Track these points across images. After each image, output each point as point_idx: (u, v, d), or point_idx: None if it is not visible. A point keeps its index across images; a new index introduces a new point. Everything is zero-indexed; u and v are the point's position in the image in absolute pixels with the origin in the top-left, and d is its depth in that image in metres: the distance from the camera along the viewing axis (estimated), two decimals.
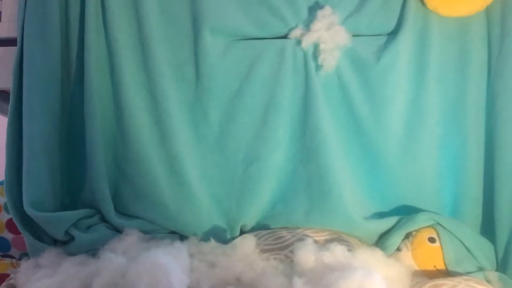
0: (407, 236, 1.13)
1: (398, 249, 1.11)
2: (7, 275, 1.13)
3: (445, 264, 1.08)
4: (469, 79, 1.23)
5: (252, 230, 1.20)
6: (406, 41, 1.23)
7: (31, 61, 1.21)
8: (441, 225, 1.12)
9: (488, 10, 1.24)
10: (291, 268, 0.95)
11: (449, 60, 1.24)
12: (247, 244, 1.06)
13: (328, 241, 1.07)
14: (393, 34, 1.24)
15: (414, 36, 1.24)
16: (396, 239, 1.12)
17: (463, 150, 1.22)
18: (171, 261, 0.92)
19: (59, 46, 1.23)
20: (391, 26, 1.25)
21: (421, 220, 1.13)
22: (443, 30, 1.24)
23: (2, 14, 1.32)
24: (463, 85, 1.23)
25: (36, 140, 1.18)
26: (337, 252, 0.95)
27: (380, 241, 1.16)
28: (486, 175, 1.21)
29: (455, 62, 1.24)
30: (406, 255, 1.10)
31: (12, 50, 1.29)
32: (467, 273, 1.06)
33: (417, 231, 1.12)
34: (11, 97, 1.23)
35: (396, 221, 1.16)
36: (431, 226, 1.12)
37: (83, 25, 1.24)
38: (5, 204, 1.30)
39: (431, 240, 1.10)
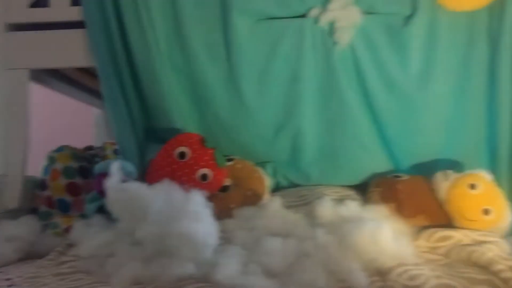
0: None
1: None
2: None
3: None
4: (472, 70, 1.34)
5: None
6: (416, 29, 1.32)
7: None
8: None
9: (490, 5, 1.32)
10: (313, 220, 1.09)
11: (455, 52, 1.34)
12: (275, 203, 1.20)
13: (342, 198, 1.22)
14: (406, 19, 1.34)
15: (424, 26, 1.33)
16: None
17: (465, 136, 1.35)
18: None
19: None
20: (403, 12, 1.35)
21: None
22: (451, 23, 1.33)
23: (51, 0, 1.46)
24: (467, 76, 1.34)
25: None
26: (351, 207, 1.10)
27: None
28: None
29: (460, 54, 1.34)
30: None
31: (59, 33, 1.46)
32: None
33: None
34: None
35: None
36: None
37: (120, 13, 1.37)
38: (64, 169, 1.48)
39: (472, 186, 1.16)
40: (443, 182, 1.19)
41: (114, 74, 1.38)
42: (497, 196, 1.18)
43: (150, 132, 1.43)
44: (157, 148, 1.32)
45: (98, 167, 1.31)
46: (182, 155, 1.28)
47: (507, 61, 1.32)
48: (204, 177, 1.26)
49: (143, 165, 1.35)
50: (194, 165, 1.26)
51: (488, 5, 1.34)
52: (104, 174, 1.15)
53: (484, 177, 1.20)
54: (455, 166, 1.32)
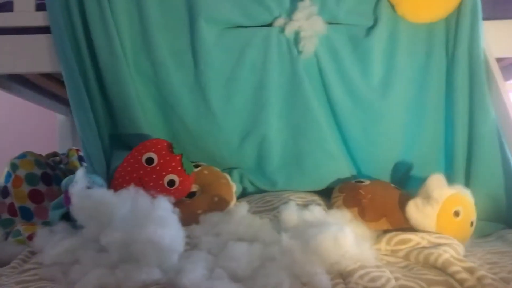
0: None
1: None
2: None
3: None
4: (431, 80, 1.40)
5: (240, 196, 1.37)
6: (378, 40, 1.38)
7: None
8: None
9: (447, 18, 1.40)
10: (278, 225, 1.11)
11: (415, 61, 1.40)
12: (242, 209, 1.21)
13: (307, 203, 1.24)
14: (368, 30, 1.40)
15: (386, 36, 1.39)
16: None
17: (423, 142, 1.40)
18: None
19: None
20: (365, 23, 1.41)
21: None
22: (411, 34, 1.40)
23: (15, 5, 1.43)
24: (425, 85, 1.40)
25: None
26: (315, 212, 1.13)
27: None
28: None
29: (419, 63, 1.40)
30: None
31: (23, 38, 1.43)
32: None
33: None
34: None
35: None
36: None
37: (86, 19, 1.36)
38: (26, 175, 1.45)
39: (456, 214, 1.16)
40: (418, 213, 1.16)
41: (80, 80, 1.36)
42: (468, 200, 1.21)
43: (115, 139, 1.42)
44: (123, 155, 1.32)
45: (65, 183, 1.29)
46: (149, 161, 1.28)
47: (463, 70, 1.38)
48: (171, 183, 1.26)
49: (109, 171, 1.34)
50: (162, 171, 1.26)
51: (445, 18, 1.40)
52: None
53: (455, 193, 1.17)
54: (414, 171, 1.38)
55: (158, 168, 1.27)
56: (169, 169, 1.26)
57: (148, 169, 1.27)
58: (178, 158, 1.28)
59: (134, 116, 1.37)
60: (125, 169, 1.28)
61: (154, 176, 1.25)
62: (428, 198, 1.15)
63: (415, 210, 1.16)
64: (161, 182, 1.25)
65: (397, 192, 1.26)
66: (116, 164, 1.32)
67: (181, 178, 1.27)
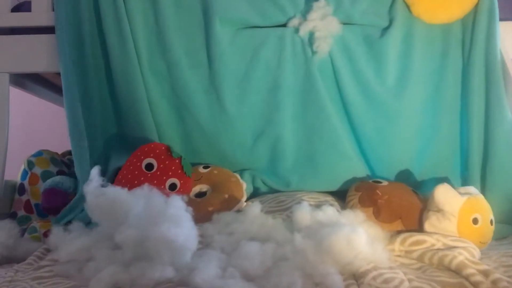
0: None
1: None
2: None
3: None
4: (446, 81, 1.39)
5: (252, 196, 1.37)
6: (393, 40, 1.37)
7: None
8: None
9: (463, 18, 1.39)
10: (291, 225, 1.11)
11: (430, 62, 1.39)
12: (255, 208, 1.21)
13: (320, 204, 1.24)
14: (383, 30, 1.39)
15: (401, 37, 1.38)
16: None
17: (438, 143, 1.39)
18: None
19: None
20: (380, 23, 1.40)
21: None
22: (427, 34, 1.39)
23: (33, 4, 1.46)
24: (441, 86, 1.39)
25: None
26: (328, 212, 1.12)
27: None
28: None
29: (435, 64, 1.39)
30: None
31: (41, 38, 1.46)
32: None
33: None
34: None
35: None
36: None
37: (95, 19, 1.38)
38: (42, 173, 1.47)
39: (475, 221, 1.14)
40: (437, 230, 1.14)
41: (78, 81, 1.38)
42: (481, 201, 1.20)
43: (118, 140, 1.43)
44: (123, 158, 1.32)
45: (47, 183, 1.34)
46: (149, 166, 1.28)
47: (479, 71, 1.37)
48: (172, 186, 1.27)
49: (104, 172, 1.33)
50: (162, 175, 1.26)
51: (462, 18, 1.39)
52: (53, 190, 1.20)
53: (467, 200, 1.15)
54: (429, 172, 1.36)
55: (158, 173, 1.27)
56: (170, 173, 1.27)
57: (149, 175, 1.27)
58: (177, 161, 1.28)
59: (141, 117, 1.37)
60: (125, 176, 1.28)
61: (155, 181, 1.25)
62: (441, 211, 1.14)
63: (433, 228, 1.14)
64: (162, 187, 1.25)
65: (414, 195, 1.25)
66: (115, 166, 1.32)
67: (182, 181, 1.27)
